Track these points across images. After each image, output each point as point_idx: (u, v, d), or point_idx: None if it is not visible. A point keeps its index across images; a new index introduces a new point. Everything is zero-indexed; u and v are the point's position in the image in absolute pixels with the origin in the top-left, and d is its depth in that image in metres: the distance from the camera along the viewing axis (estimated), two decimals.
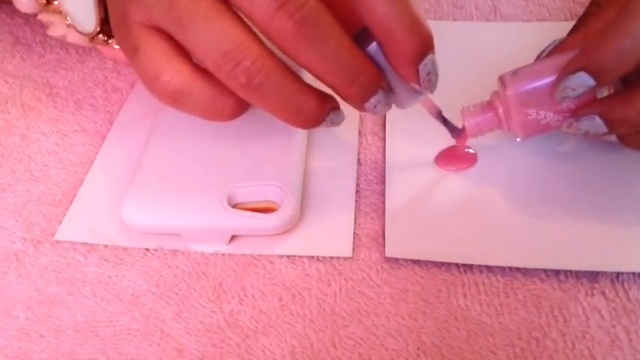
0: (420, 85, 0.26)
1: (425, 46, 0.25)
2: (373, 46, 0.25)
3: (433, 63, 0.25)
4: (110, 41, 0.33)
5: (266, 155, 0.30)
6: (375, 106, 0.26)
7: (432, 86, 0.26)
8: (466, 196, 0.30)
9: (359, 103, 0.26)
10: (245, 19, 0.24)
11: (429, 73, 0.25)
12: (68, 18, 0.33)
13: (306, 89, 0.25)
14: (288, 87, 0.25)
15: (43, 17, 0.34)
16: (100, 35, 0.33)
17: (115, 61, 0.38)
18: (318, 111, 0.26)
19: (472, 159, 0.32)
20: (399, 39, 0.24)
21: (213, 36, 0.23)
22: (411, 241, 0.28)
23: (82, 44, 0.34)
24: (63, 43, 0.41)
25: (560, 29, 0.40)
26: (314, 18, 0.23)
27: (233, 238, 0.29)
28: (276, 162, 0.30)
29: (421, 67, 0.25)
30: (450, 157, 0.32)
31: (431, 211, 0.29)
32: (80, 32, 0.33)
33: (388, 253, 0.27)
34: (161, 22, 0.24)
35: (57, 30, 0.34)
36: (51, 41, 0.42)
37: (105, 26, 0.32)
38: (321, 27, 0.23)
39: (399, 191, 0.30)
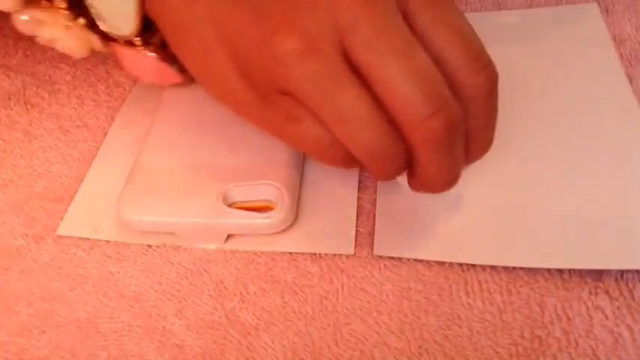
0: None
1: None
2: None
3: None
4: (142, 48, 0.30)
5: (262, 154, 0.30)
6: None
7: None
8: (464, 194, 0.29)
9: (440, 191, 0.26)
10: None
11: None
12: (99, 17, 0.28)
13: None
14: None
15: (29, 15, 0.28)
16: (137, 39, 0.29)
17: (136, 73, 0.32)
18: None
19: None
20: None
21: (368, 135, 0.23)
22: (401, 239, 0.28)
23: (72, 52, 0.30)
24: None
25: (568, 13, 0.39)
26: (459, 125, 0.23)
27: (235, 235, 0.29)
28: (273, 161, 0.30)
29: None
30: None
31: (424, 209, 0.29)
32: (112, 34, 0.29)
33: (376, 252, 0.27)
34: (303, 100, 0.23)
35: (51, 31, 0.29)
36: None
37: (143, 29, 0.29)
38: (460, 134, 0.24)
39: (390, 188, 0.30)
